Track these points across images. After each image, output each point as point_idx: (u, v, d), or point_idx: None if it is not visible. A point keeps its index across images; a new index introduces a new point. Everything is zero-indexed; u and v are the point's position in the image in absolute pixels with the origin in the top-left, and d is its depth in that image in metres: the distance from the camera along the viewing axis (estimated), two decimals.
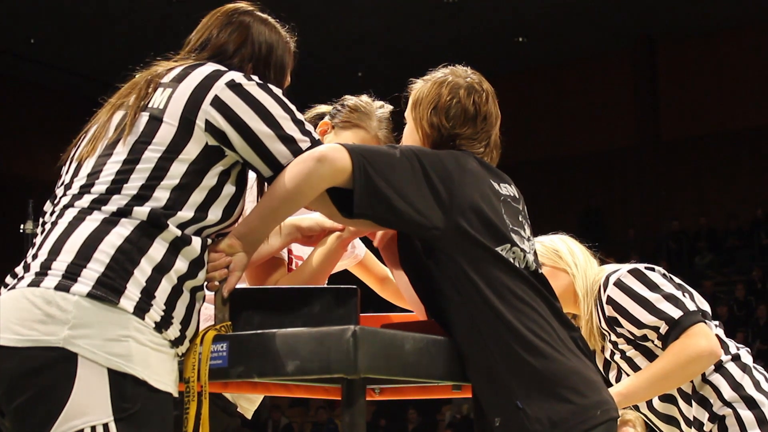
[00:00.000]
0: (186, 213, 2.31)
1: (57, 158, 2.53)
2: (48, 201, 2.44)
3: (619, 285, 3.27)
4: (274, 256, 2.88)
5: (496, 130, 2.78)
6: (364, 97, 3.23)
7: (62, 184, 2.41)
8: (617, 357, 3.35)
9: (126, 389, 2.14)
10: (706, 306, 3.31)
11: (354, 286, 2.34)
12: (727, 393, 3.24)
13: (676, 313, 3.18)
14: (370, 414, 16.80)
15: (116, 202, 2.28)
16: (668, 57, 19.66)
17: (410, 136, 2.74)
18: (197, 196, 2.33)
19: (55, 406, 2.11)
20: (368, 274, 3.40)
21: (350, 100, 3.21)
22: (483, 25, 18.17)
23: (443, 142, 2.66)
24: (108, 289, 2.18)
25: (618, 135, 19.88)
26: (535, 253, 2.63)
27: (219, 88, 2.37)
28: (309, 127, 2.42)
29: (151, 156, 2.32)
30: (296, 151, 2.37)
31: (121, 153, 2.35)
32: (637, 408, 3.45)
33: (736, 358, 3.30)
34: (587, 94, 20.18)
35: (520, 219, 2.63)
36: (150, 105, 2.39)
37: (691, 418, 3.29)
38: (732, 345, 3.34)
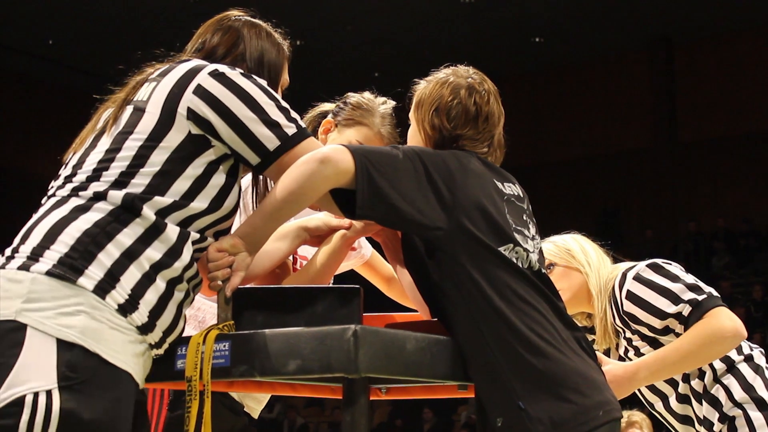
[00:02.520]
0: (165, 199, 2.30)
1: None
2: None
3: (639, 279, 3.24)
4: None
5: (500, 130, 2.75)
6: (367, 94, 3.24)
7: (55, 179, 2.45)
8: (631, 354, 3.33)
9: (74, 359, 2.13)
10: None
11: (357, 286, 2.35)
12: (738, 394, 3.22)
13: (699, 296, 3.15)
14: (386, 414, 16.82)
15: (93, 189, 2.29)
16: (685, 58, 19.62)
17: (414, 137, 2.75)
18: (181, 185, 2.32)
19: (1, 374, 2.11)
20: (375, 274, 3.41)
21: (353, 97, 3.21)
22: (500, 25, 18.17)
23: (446, 142, 2.66)
24: (67, 268, 2.18)
25: (635, 136, 19.84)
26: (540, 253, 2.63)
27: (202, 77, 2.38)
28: (294, 114, 2.42)
29: (132, 145, 2.33)
30: (282, 136, 2.37)
31: (104, 144, 2.37)
32: (652, 408, 3.43)
33: (749, 359, 3.29)
34: (604, 95, 20.15)
35: (524, 218, 2.63)
36: (135, 98, 2.41)
37: (702, 418, 3.28)
38: (746, 345, 3.32)
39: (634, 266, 3.31)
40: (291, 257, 3.03)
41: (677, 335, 3.19)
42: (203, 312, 3.06)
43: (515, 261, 2.49)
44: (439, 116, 2.67)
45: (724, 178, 19.05)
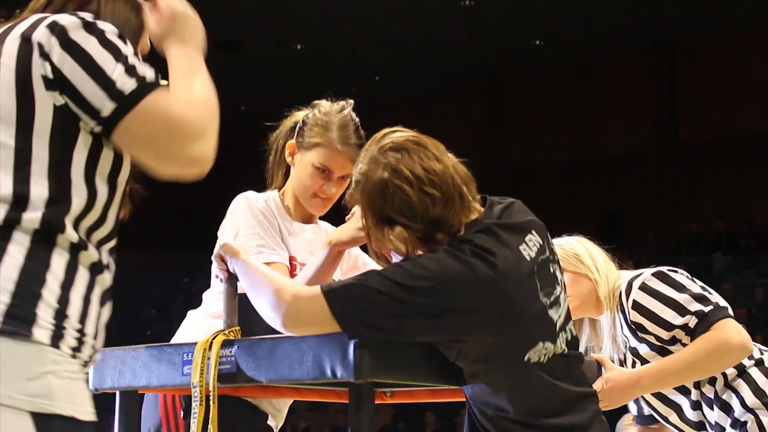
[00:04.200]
0: (74, 206, 1.89)
1: None
2: None
3: (645, 288, 3.21)
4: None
5: (455, 172, 2.44)
6: (324, 105, 3.13)
7: None
8: (638, 365, 3.29)
9: (53, 430, 1.82)
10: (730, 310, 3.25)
11: None
12: (750, 399, 3.19)
13: (706, 307, 3.12)
14: (389, 417, 16.82)
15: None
16: (687, 60, 19.63)
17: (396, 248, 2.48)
18: (76, 179, 1.90)
19: None
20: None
21: (309, 114, 3.13)
22: (500, 28, 18.18)
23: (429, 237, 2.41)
24: (19, 321, 1.82)
25: (637, 138, 19.85)
26: (567, 313, 2.52)
27: (40, 34, 1.89)
28: (141, 71, 1.90)
29: (4, 139, 1.87)
30: (141, 82, 1.87)
31: None
32: (666, 421, 3.39)
33: (759, 363, 3.25)
34: (606, 98, 20.16)
35: (551, 270, 2.50)
36: None
37: (714, 423, 3.26)
38: (756, 350, 3.28)
39: (640, 275, 3.27)
40: (289, 263, 3.07)
41: (684, 345, 3.16)
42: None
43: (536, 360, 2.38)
44: (395, 229, 2.42)
45: (726, 179, 19.06)
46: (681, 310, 3.14)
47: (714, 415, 3.26)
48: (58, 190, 1.87)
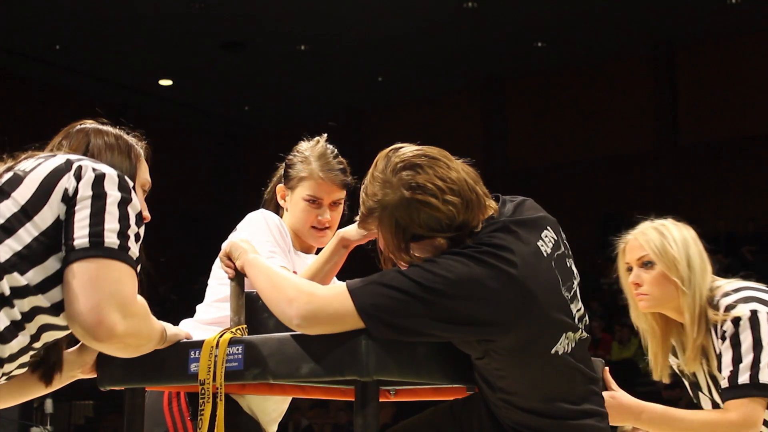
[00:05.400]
0: (21, 280, 2.15)
1: None
2: None
3: (735, 322, 3.09)
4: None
5: (464, 178, 2.44)
6: (301, 145, 3.34)
7: None
8: (712, 391, 3.23)
9: None
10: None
11: None
12: None
13: (743, 376, 3.04)
14: (390, 416, 16.82)
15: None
16: (687, 61, 19.62)
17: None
18: (37, 273, 2.16)
19: None
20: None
21: (291, 158, 3.33)
22: (502, 29, 18.19)
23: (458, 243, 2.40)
24: None
25: (637, 139, 19.85)
26: (582, 310, 2.54)
27: (83, 166, 2.23)
28: (132, 242, 2.21)
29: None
30: (94, 243, 2.14)
31: None
32: None
33: None
34: (606, 99, 20.16)
35: (568, 264, 2.53)
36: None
37: None
38: None
39: (737, 301, 3.13)
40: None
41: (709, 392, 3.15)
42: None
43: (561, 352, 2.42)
44: (422, 243, 2.42)
45: (726, 181, 19.06)
46: (736, 363, 3.06)
47: None
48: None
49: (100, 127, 2.49)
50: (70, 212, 2.16)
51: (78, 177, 2.19)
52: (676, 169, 19.43)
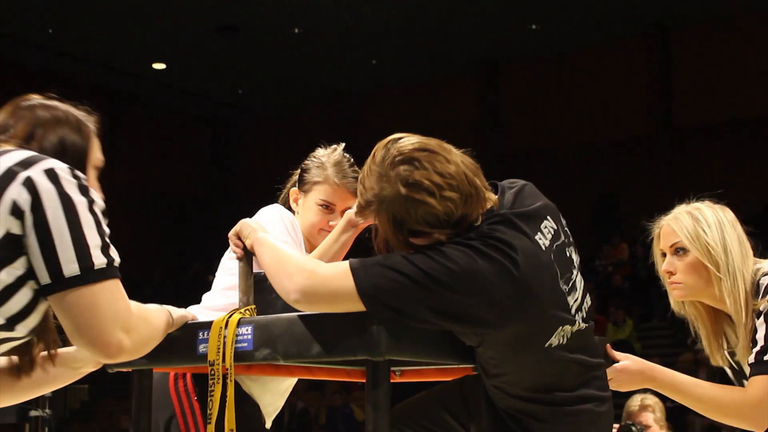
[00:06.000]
0: None
1: None
2: None
3: None
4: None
5: (463, 171, 2.38)
6: (318, 152, 3.39)
7: None
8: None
9: None
10: None
11: None
12: None
13: (766, 355, 2.88)
14: None
15: None
16: (681, 44, 19.61)
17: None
18: None
19: None
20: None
21: (307, 163, 3.38)
22: (496, 12, 18.15)
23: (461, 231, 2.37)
24: None
25: (631, 122, 19.85)
26: (584, 289, 2.55)
27: (35, 172, 2.04)
28: (112, 249, 2.10)
29: None
30: (86, 266, 2.02)
31: None
32: None
33: None
34: (600, 82, 20.15)
35: (567, 253, 2.51)
36: None
37: None
38: None
39: None
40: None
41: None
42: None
43: (555, 343, 2.41)
44: (424, 233, 2.38)
45: (721, 163, 19.07)
46: (767, 342, 2.90)
47: None
48: None
49: (47, 102, 2.30)
50: (39, 229, 2.00)
51: (30, 187, 2.01)
52: (671, 152, 19.43)
